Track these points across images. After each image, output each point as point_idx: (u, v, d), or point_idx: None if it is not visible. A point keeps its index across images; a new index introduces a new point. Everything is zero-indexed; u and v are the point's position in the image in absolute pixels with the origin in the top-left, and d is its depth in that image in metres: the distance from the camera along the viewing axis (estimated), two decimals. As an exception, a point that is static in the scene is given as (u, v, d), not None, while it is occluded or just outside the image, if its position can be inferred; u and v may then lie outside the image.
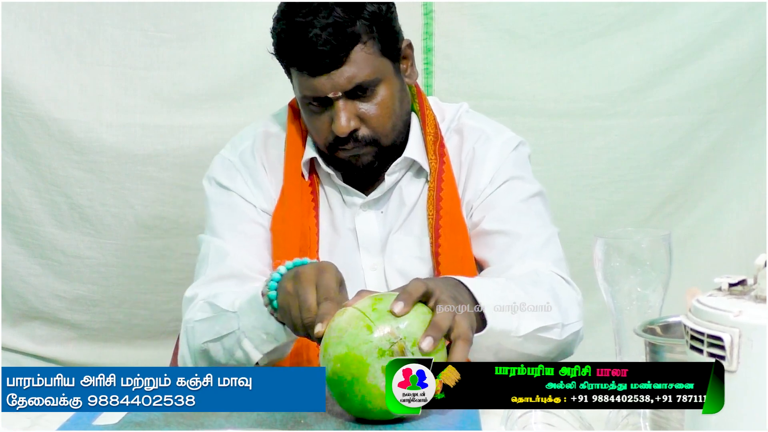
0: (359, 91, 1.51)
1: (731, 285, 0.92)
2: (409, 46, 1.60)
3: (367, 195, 1.61)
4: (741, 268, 0.96)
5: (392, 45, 1.55)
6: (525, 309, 1.36)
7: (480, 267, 1.59)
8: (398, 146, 1.59)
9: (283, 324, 1.36)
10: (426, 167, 1.60)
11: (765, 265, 0.90)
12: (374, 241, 1.61)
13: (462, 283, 1.32)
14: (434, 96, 1.76)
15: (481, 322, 1.30)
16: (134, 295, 2.35)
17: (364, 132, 1.53)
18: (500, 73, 2.31)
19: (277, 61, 1.56)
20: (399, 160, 1.59)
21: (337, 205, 1.62)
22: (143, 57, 2.26)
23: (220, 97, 2.27)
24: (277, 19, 1.53)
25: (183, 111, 2.28)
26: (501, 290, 1.36)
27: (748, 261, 0.93)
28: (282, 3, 1.53)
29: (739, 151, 2.36)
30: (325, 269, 1.30)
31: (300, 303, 1.28)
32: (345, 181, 1.61)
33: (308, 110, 1.54)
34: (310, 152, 1.60)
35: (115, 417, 1.23)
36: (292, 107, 1.64)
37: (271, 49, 1.55)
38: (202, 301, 1.50)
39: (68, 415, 1.24)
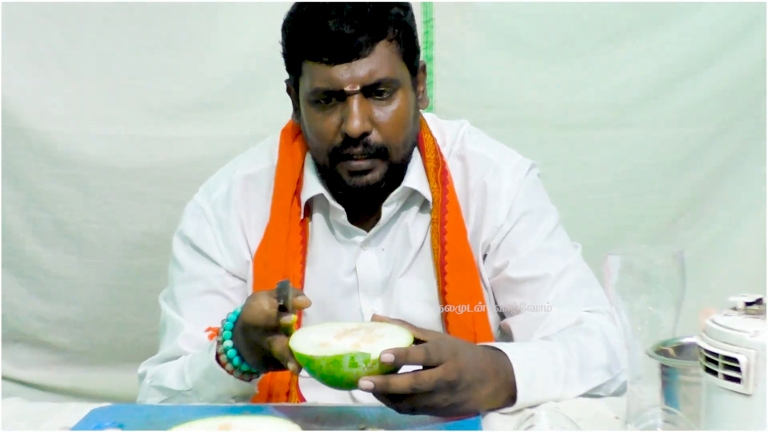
0: (377, 91, 1.48)
1: (747, 304, 0.92)
2: (424, 69, 1.59)
3: (367, 232, 1.59)
4: (758, 286, 0.96)
5: (413, 54, 1.54)
6: (573, 375, 1.37)
7: (503, 313, 1.60)
8: (402, 171, 1.57)
9: (249, 379, 1.40)
10: (428, 196, 1.58)
11: (782, 284, 0.90)
12: (375, 282, 1.59)
13: (499, 350, 1.33)
14: (433, 110, 1.74)
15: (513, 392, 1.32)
16: (119, 316, 2.34)
17: (375, 138, 1.49)
18: (503, 82, 2.31)
19: (285, 60, 1.54)
20: (397, 189, 1.56)
21: (331, 246, 1.60)
22: (129, 65, 2.25)
23: (211, 107, 2.27)
24: (294, 11, 1.51)
25: (171, 122, 2.27)
26: (541, 357, 1.36)
27: (765, 279, 0.93)
28: (296, 3, 1.51)
29: (756, 162, 2.36)
30: (251, 306, 1.32)
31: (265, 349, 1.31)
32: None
33: (316, 110, 1.50)
34: (316, 187, 1.57)
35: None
36: (285, 134, 1.62)
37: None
38: (149, 386, 1.52)
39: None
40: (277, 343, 1.28)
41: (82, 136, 2.26)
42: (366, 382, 1.20)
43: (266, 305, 1.29)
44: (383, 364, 1.21)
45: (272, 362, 1.32)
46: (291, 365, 1.25)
